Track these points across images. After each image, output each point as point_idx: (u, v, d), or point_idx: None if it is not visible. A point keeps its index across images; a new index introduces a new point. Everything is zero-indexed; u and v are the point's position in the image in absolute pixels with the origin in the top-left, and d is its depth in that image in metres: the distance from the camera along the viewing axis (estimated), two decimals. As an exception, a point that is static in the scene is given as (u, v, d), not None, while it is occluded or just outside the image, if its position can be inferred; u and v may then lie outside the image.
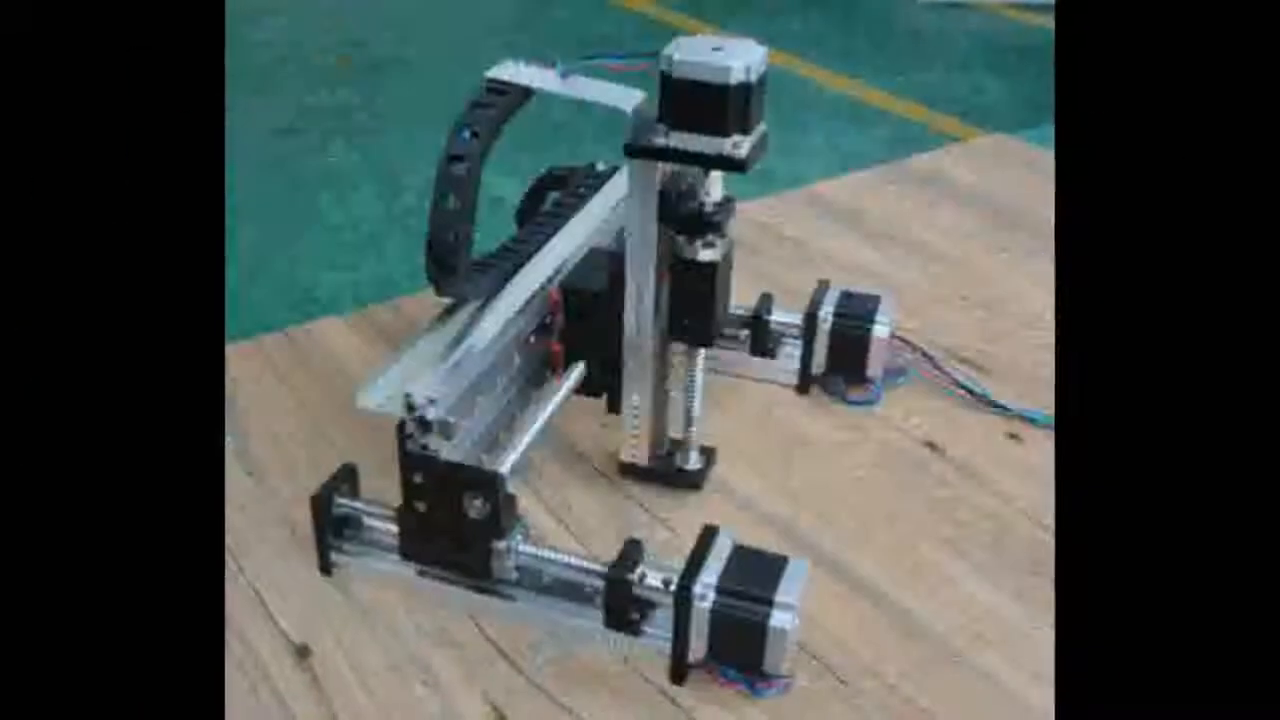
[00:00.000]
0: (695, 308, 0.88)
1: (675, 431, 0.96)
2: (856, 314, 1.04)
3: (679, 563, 0.75)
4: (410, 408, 0.76)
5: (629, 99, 0.78)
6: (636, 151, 0.79)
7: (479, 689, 0.76)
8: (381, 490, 0.84)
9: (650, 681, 0.77)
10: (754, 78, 0.76)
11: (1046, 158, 1.59)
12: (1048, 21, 2.56)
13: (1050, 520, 0.91)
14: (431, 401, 0.75)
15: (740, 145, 0.76)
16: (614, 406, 0.94)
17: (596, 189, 1.04)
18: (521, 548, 0.79)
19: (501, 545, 0.78)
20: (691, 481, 0.94)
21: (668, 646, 0.76)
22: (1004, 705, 0.77)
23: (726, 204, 0.85)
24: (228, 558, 0.86)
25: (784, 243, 1.36)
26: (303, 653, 0.79)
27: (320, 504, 0.82)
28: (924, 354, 1.09)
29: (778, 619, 0.72)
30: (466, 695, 0.76)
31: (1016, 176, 1.56)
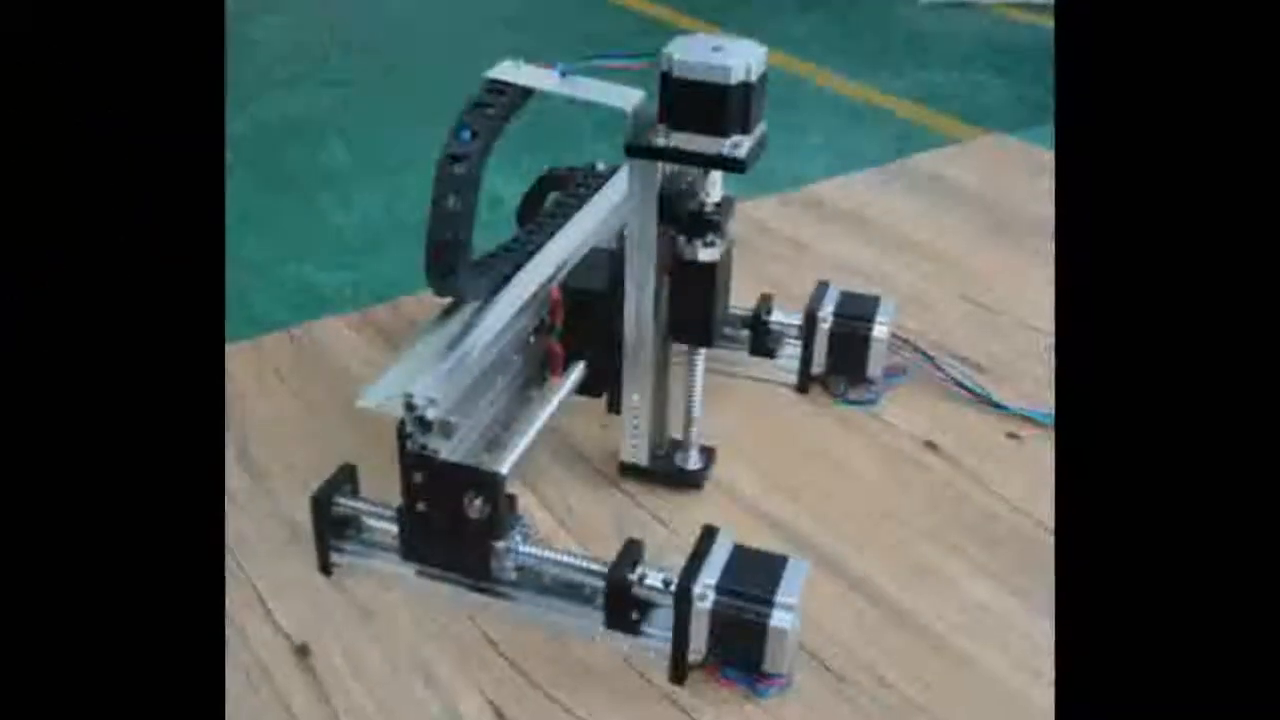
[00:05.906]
0: (695, 308, 0.88)
1: (675, 431, 0.96)
2: (856, 314, 1.04)
3: (679, 562, 0.75)
4: (410, 407, 0.76)
5: (628, 99, 0.78)
6: (636, 151, 0.79)
7: (477, 688, 0.77)
8: (382, 490, 0.84)
9: (650, 681, 0.77)
10: (754, 77, 0.76)
11: (1048, 157, 1.59)
12: (1049, 21, 2.56)
13: (1050, 519, 0.91)
14: (431, 401, 0.75)
15: (740, 145, 0.76)
16: (614, 407, 0.94)
17: (596, 189, 1.04)
18: (521, 548, 0.79)
19: (501, 545, 0.78)
20: (691, 481, 0.94)
21: (668, 646, 0.76)
22: (1003, 702, 0.77)
23: (726, 204, 0.85)
24: (228, 558, 0.86)
25: (783, 243, 1.36)
26: (303, 652, 0.79)
27: (320, 504, 0.83)
28: (924, 354, 1.09)
29: (778, 619, 0.72)
30: (466, 694, 0.76)
31: (1016, 176, 1.56)
